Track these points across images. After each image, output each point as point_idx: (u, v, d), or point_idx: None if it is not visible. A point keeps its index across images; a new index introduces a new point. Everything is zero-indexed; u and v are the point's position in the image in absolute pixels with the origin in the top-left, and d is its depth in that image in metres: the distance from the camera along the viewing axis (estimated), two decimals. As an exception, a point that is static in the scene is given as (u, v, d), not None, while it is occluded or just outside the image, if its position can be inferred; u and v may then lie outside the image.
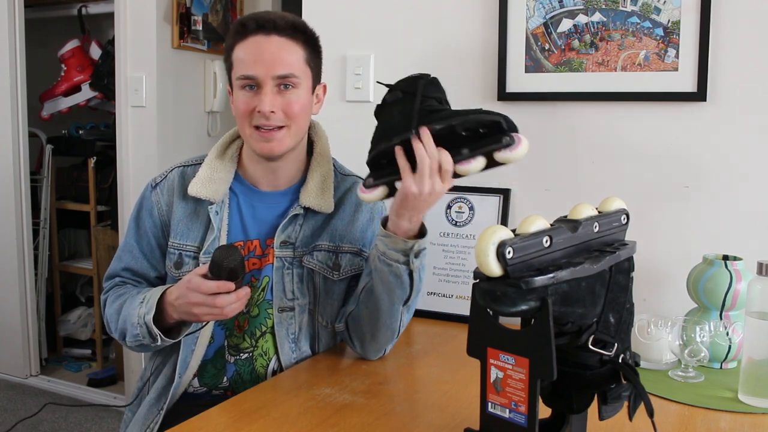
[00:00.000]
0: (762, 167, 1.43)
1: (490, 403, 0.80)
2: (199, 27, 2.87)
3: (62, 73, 3.25)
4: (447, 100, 1.14)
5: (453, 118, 1.07)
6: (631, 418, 0.85)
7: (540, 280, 0.74)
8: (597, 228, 0.87)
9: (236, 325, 1.31)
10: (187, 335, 1.25)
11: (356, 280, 1.35)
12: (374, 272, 1.21)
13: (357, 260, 1.34)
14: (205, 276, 1.13)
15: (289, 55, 1.23)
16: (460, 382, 1.23)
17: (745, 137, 1.44)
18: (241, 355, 1.31)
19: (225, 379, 1.30)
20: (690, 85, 1.46)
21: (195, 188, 1.30)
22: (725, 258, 1.35)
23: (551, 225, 0.82)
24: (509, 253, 0.74)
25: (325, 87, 1.36)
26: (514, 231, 0.78)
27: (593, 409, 0.86)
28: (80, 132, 3.25)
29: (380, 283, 1.21)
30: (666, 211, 1.51)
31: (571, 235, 0.82)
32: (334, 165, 1.39)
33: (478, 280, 0.77)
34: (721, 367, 1.32)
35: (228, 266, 1.11)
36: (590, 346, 0.83)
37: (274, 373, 1.31)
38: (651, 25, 1.48)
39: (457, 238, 1.65)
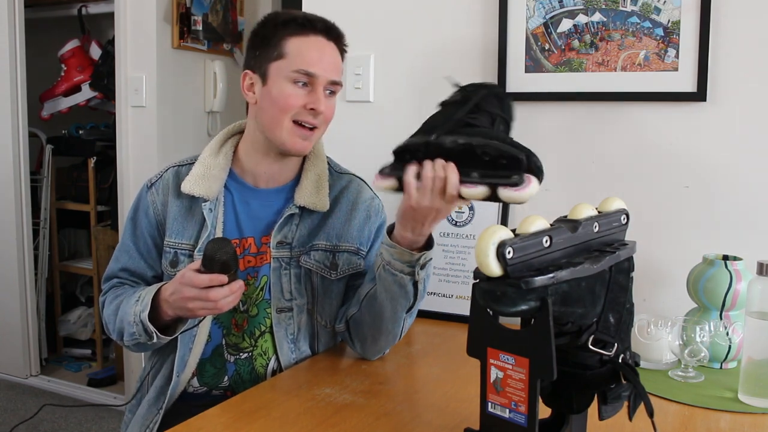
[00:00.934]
0: (762, 167, 1.43)
1: (490, 403, 0.80)
2: (199, 27, 2.87)
3: (62, 73, 3.24)
4: (506, 118, 1.08)
5: (476, 138, 1.02)
6: (631, 418, 0.85)
7: (540, 280, 0.74)
8: (597, 228, 0.87)
9: (233, 324, 1.31)
10: (182, 332, 1.25)
11: (354, 278, 1.35)
12: (378, 280, 1.21)
13: (354, 259, 1.34)
14: (198, 271, 1.13)
15: (340, 63, 1.29)
16: (460, 382, 1.23)
17: (745, 137, 1.44)
18: (241, 354, 1.31)
19: (226, 378, 1.30)
20: (690, 85, 1.46)
21: (188, 186, 1.30)
22: (725, 258, 1.35)
23: (551, 225, 0.82)
24: (509, 253, 0.74)
25: None
26: (514, 231, 0.78)
27: (593, 409, 0.86)
28: (80, 132, 3.25)
29: (384, 291, 1.21)
30: (666, 211, 1.51)
31: (571, 235, 0.82)
32: (328, 163, 1.39)
33: (478, 280, 0.77)
34: (721, 367, 1.32)
35: (220, 259, 1.11)
36: (590, 346, 0.83)
37: (274, 373, 1.31)
38: (651, 25, 1.48)
39: (457, 238, 1.65)
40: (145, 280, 1.36)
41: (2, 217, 3.06)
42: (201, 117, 3.00)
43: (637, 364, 0.87)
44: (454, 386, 1.21)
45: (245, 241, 1.32)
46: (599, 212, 0.90)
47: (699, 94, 1.45)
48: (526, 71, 1.61)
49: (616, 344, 0.84)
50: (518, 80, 1.61)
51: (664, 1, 1.47)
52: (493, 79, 1.63)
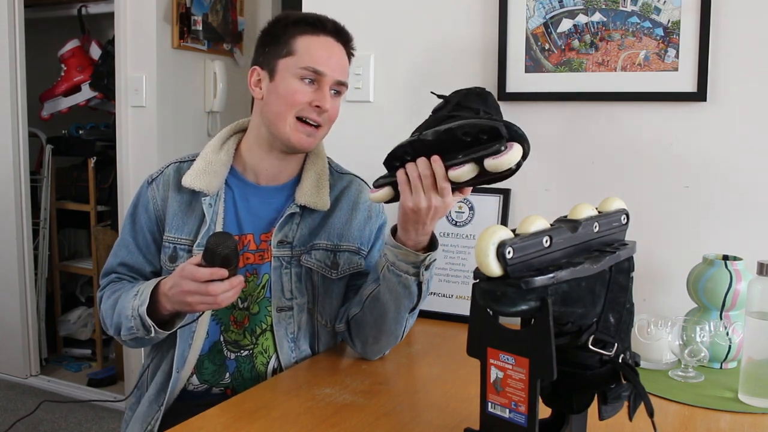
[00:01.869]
0: (762, 167, 1.43)
1: (490, 403, 0.80)
2: (199, 27, 2.87)
3: (62, 73, 3.24)
4: (489, 111, 1.09)
5: (455, 122, 1.05)
6: (631, 418, 0.85)
7: (540, 280, 0.74)
8: (597, 228, 0.87)
9: (232, 321, 1.31)
10: (181, 327, 1.25)
11: (355, 278, 1.35)
12: (382, 281, 1.21)
13: (355, 258, 1.35)
14: (199, 265, 1.13)
15: (347, 65, 1.32)
16: (460, 382, 1.23)
17: (745, 137, 1.44)
18: (242, 352, 1.31)
19: (227, 375, 1.30)
20: (690, 85, 1.46)
21: (189, 179, 1.31)
22: (725, 258, 1.35)
23: (551, 225, 0.82)
24: (509, 253, 0.74)
25: None
26: (514, 231, 0.78)
27: (593, 409, 0.86)
28: (80, 132, 3.25)
29: (387, 292, 1.21)
30: (666, 211, 1.51)
31: (571, 235, 0.82)
32: (329, 163, 1.40)
33: (478, 280, 0.77)
34: (721, 367, 1.32)
35: (222, 253, 1.11)
36: (590, 346, 0.82)
37: (275, 371, 1.31)
38: (651, 25, 1.48)
39: (457, 238, 1.65)
40: (143, 275, 1.36)
41: (2, 217, 3.06)
42: (201, 117, 3.00)
43: (637, 364, 0.87)
44: (454, 386, 1.21)
45: (244, 238, 1.32)
46: (599, 212, 0.90)
47: (699, 94, 1.45)
48: (526, 71, 1.61)
49: (616, 344, 0.84)
50: (518, 80, 1.61)
51: (664, 1, 1.47)
52: (493, 79, 1.63)
